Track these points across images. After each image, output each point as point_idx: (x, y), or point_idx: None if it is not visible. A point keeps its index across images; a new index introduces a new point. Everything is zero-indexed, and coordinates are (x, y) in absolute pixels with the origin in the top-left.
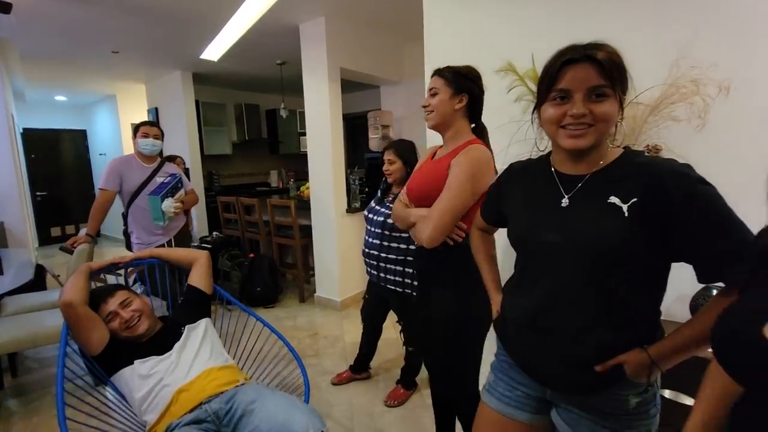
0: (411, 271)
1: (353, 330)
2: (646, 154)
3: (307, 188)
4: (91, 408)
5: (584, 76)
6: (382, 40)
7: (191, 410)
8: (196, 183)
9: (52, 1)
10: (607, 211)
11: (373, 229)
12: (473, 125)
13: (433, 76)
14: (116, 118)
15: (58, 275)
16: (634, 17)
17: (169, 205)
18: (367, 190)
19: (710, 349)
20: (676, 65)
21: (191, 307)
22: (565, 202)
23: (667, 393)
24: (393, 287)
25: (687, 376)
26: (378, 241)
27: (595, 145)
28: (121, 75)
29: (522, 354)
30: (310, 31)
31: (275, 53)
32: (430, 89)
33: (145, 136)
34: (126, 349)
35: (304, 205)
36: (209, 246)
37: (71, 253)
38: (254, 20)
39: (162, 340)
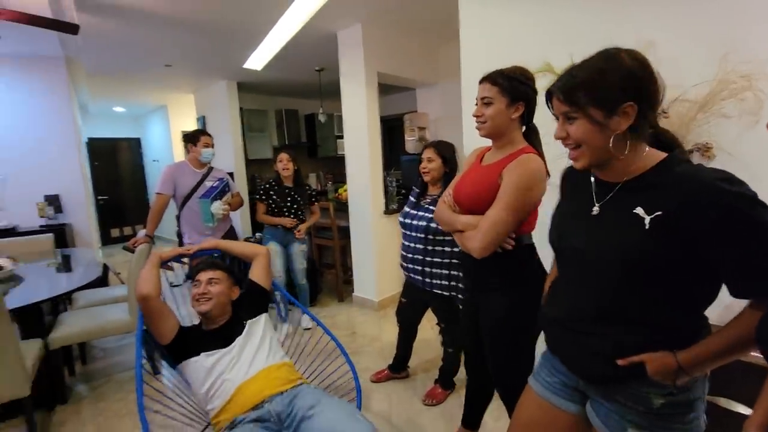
0: (457, 274)
1: (391, 330)
2: (696, 152)
3: (345, 190)
4: (154, 392)
5: (557, 104)
6: (418, 43)
7: (254, 407)
8: (240, 186)
9: (113, 22)
10: (630, 222)
11: (414, 234)
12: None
13: (483, 82)
14: (167, 127)
15: (119, 273)
16: (677, 14)
17: (218, 207)
18: (403, 191)
19: (755, 353)
20: (725, 60)
21: (252, 301)
22: (595, 210)
23: (721, 401)
24: (439, 291)
25: (741, 385)
26: (422, 246)
27: (607, 158)
28: (172, 86)
29: (555, 346)
30: (347, 38)
31: (314, 60)
32: (483, 98)
33: (206, 145)
34: (193, 339)
35: (342, 207)
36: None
37: (133, 252)
38: (295, 30)
39: (226, 333)
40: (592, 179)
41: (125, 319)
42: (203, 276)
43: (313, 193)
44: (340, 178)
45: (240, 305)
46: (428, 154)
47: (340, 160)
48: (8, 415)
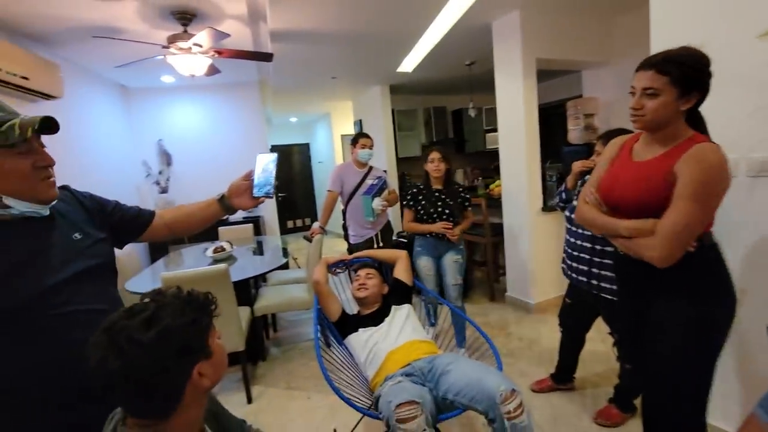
0: None
1: (550, 335)
2: None
3: (497, 186)
4: (327, 362)
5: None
6: (585, 19)
7: (402, 367)
8: (392, 183)
9: (296, 46)
10: None
11: (580, 230)
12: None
13: (646, 69)
14: (330, 132)
15: (296, 258)
16: None
17: (378, 203)
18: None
19: None
20: None
21: (397, 295)
22: None
23: None
24: (609, 296)
25: None
26: (589, 244)
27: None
28: (335, 95)
29: None
30: (503, 27)
31: (464, 55)
32: (646, 89)
33: (363, 147)
34: (353, 320)
35: (493, 203)
36: (405, 241)
37: (310, 241)
38: (447, 28)
39: (378, 315)
40: None
41: (306, 297)
42: (362, 272)
43: (467, 197)
44: (488, 174)
45: (388, 297)
46: (600, 147)
47: (489, 155)
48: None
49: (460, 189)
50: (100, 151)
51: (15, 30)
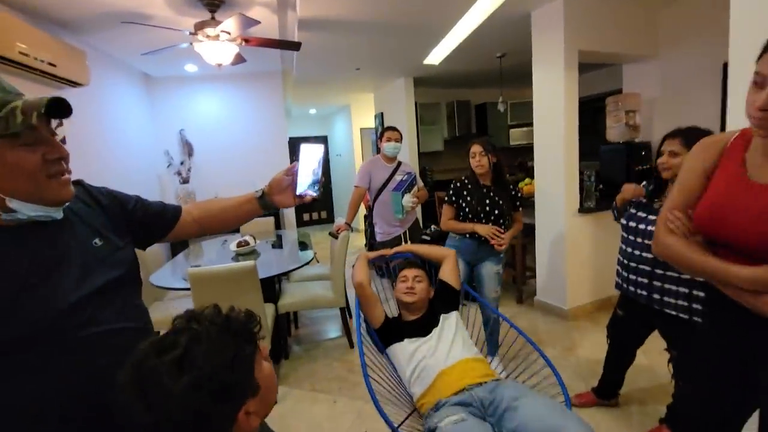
0: (700, 294)
1: (587, 345)
2: None
3: (527, 184)
4: (372, 371)
5: None
6: (630, 10)
7: (456, 393)
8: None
9: (323, 35)
10: None
11: (641, 240)
12: None
13: None
14: (349, 124)
15: (315, 252)
16: None
17: (408, 200)
18: (601, 187)
19: None
20: None
21: (443, 300)
22: None
23: None
24: (671, 311)
25: None
26: (651, 256)
27: None
28: (356, 87)
29: None
30: (544, 17)
31: (496, 46)
32: None
33: (389, 140)
34: (397, 327)
35: (522, 203)
36: (428, 239)
37: (336, 237)
38: (482, 19)
39: (424, 323)
40: None
41: (329, 296)
42: (410, 273)
43: (519, 196)
44: (510, 171)
45: (434, 302)
46: (672, 146)
47: (513, 151)
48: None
49: (512, 188)
50: (124, 140)
51: (43, 16)
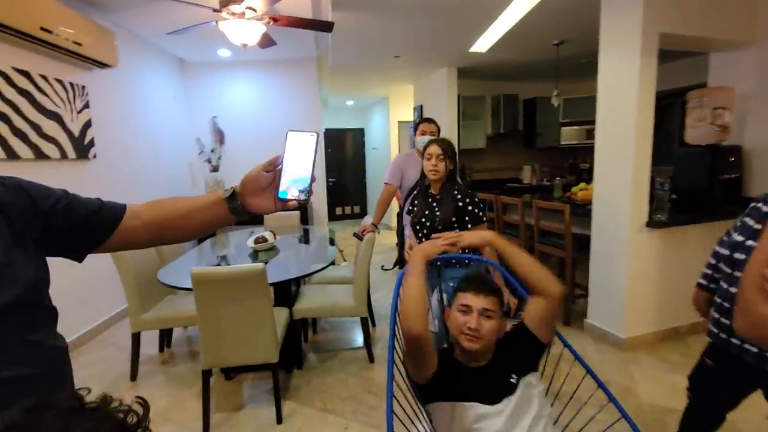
0: None
1: (650, 386)
2: None
3: (582, 189)
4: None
5: None
6: None
7: None
8: None
9: (359, 16)
10: None
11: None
12: None
13: None
14: (387, 117)
15: (342, 250)
16: None
17: None
18: (674, 197)
19: None
20: None
21: (522, 349)
22: None
23: None
24: None
25: None
26: None
27: None
28: (395, 78)
29: None
30: None
31: (553, 32)
32: None
33: (423, 133)
34: (450, 377)
35: (577, 210)
36: None
37: (361, 239)
38: None
39: (491, 383)
40: None
41: (349, 304)
42: (476, 302)
43: (474, 211)
44: (558, 172)
45: (505, 347)
46: None
47: (563, 151)
48: (259, 367)
49: (466, 199)
50: (154, 125)
51: None
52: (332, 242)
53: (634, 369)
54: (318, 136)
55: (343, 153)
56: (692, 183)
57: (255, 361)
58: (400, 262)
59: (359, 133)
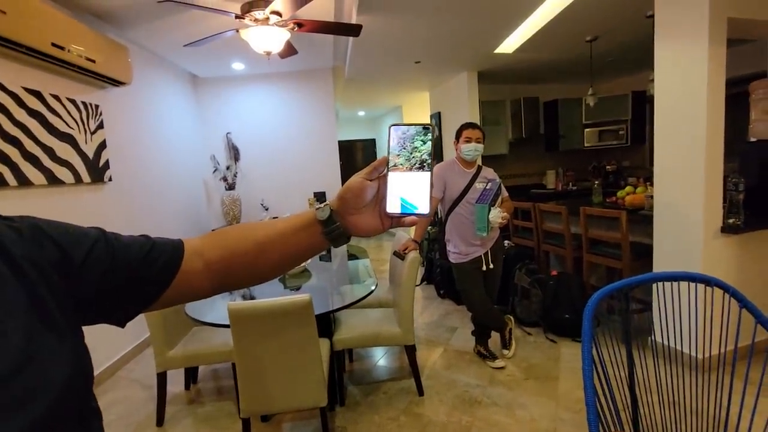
0: None
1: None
2: None
3: (628, 193)
4: None
5: None
6: None
7: None
8: None
9: (384, 20)
10: None
11: None
12: None
13: None
14: None
15: (376, 283)
16: None
17: (496, 215)
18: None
19: None
20: None
21: None
22: None
23: None
24: None
25: None
26: None
27: None
28: (410, 86)
29: None
30: None
31: (586, 28)
32: None
33: (468, 140)
34: None
35: (633, 217)
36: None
37: (402, 258)
38: None
39: None
40: None
41: (395, 332)
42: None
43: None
44: (581, 176)
45: None
46: None
47: (586, 154)
48: None
49: None
50: (168, 143)
51: (81, 5)
52: (355, 257)
53: (720, 395)
54: (433, 129)
55: (353, 164)
56: (761, 182)
57: (302, 405)
58: (429, 278)
59: (370, 144)
